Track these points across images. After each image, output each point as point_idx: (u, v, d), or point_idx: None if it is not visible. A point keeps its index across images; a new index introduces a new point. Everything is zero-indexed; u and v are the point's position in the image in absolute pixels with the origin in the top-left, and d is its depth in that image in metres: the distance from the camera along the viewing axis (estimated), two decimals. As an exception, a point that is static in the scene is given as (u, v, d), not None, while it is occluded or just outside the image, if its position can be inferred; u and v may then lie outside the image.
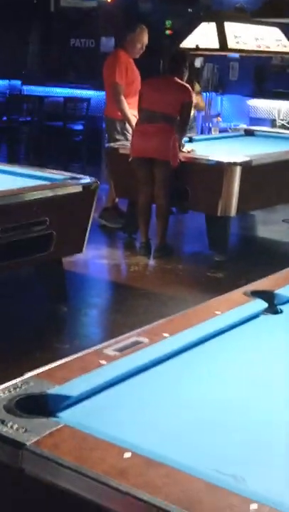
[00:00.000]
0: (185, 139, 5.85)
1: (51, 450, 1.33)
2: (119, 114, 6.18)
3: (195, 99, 6.81)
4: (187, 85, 5.61)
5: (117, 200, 6.50)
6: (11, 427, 1.39)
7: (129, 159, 5.65)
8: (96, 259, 5.60)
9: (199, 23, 5.82)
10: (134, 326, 3.98)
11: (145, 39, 6.25)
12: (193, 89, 6.14)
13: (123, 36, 6.51)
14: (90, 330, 4.45)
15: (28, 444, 1.35)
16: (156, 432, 1.49)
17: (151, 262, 5.66)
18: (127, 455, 1.31)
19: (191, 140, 6.31)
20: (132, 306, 4.67)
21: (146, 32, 6.25)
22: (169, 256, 5.76)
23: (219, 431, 1.51)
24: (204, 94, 9.06)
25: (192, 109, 5.86)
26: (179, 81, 5.56)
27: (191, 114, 6.14)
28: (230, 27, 5.67)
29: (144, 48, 6.28)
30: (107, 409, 1.56)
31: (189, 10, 10.49)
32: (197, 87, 7.32)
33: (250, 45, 5.86)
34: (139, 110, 5.68)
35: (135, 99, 6.00)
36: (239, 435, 1.50)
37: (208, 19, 5.80)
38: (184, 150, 5.70)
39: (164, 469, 1.26)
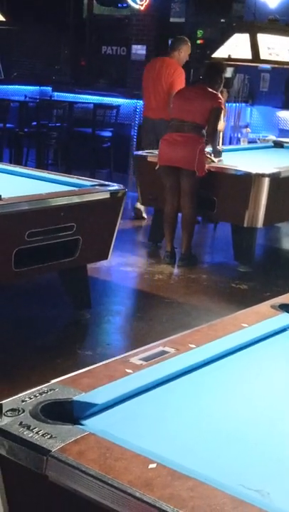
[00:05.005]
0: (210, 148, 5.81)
1: (76, 458, 1.32)
2: None
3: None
4: (216, 92, 5.60)
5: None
6: (37, 432, 1.39)
7: (156, 167, 5.66)
8: (120, 266, 5.60)
9: (232, 34, 5.81)
10: (157, 335, 4.00)
11: (189, 51, 6.92)
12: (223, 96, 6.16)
13: (172, 47, 7.02)
14: (112, 337, 4.44)
15: (52, 450, 1.34)
16: (181, 443, 1.48)
17: (176, 270, 5.65)
18: (152, 466, 1.30)
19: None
20: (156, 315, 4.66)
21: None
22: (193, 265, 5.74)
23: (243, 444, 1.50)
24: (234, 104, 9.04)
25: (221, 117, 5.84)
26: (209, 89, 5.56)
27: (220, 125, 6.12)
28: (263, 38, 5.65)
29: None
30: (132, 419, 1.56)
31: (222, 20, 10.50)
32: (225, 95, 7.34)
33: (283, 56, 5.83)
34: (170, 120, 5.69)
35: None
36: (263, 449, 1.48)
37: (242, 30, 5.79)
38: (213, 159, 5.68)
39: (189, 482, 1.25)
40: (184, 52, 6.83)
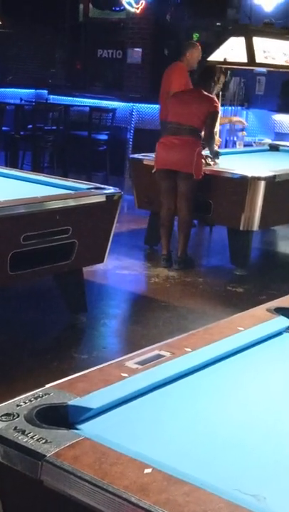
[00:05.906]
0: (208, 152, 5.82)
1: (71, 463, 1.31)
2: None
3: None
4: (212, 96, 5.62)
5: None
6: (32, 437, 1.38)
7: (153, 171, 5.66)
8: (117, 269, 5.60)
9: (228, 37, 5.82)
10: (154, 338, 3.99)
11: (200, 54, 7.06)
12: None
13: (182, 51, 7.19)
14: (108, 341, 4.43)
15: (47, 455, 1.33)
16: (177, 447, 1.47)
17: (172, 274, 5.64)
18: (148, 471, 1.29)
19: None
20: (152, 318, 4.65)
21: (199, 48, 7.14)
22: (189, 268, 5.74)
23: (239, 448, 1.49)
24: (230, 107, 9.06)
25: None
26: (204, 92, 5.57)
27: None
28: (258, 42, 5.66)
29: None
30: (128, 423, 1.55)
31: (217, 24, 10.52)
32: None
33: (279, 60, 5.84)
34: (167, 123, 5.70)
35: None
36: (260, 453, 1.48)
37: (237, 33, 5.80)
38: (209, 162, 5.69)
39: (185, 487, 1.24)
40: (190, 56, 7.00)
